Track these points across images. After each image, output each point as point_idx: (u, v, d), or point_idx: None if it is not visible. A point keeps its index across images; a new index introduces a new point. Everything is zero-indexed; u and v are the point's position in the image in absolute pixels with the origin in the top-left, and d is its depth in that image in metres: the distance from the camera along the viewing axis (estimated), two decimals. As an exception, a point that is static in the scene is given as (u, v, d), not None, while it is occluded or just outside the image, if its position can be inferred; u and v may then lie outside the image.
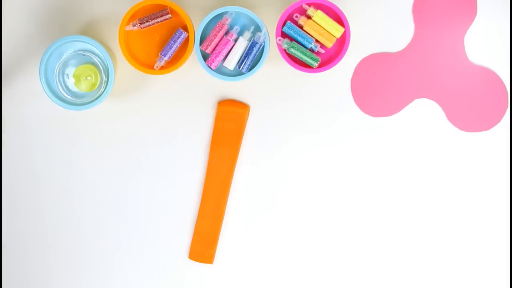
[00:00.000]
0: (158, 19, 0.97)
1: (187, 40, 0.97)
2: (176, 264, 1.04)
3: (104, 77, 0.97)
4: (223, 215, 1.03)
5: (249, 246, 1.04)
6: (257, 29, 0.97)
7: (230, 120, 1.02)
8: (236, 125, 1.02)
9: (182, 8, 0.96)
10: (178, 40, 0.97)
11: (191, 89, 1.03)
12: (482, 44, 1.02)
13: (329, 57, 0.98)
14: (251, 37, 0.97)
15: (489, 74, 1.02)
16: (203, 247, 1.03)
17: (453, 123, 1.03)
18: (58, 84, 0.97)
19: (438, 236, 1.04)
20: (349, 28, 0.96)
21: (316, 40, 0.97)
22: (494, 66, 1.02)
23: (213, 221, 1.03)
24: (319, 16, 0.96)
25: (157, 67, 0.97)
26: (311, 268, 1.04)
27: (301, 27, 0.97)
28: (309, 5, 0.97)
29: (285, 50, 0.97)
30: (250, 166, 1.03)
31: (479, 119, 1.03)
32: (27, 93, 1.03)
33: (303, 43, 0.97)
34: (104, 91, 0.97)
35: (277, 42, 0.96)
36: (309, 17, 0.97)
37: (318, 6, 0.97)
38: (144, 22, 0.97)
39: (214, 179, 1.03)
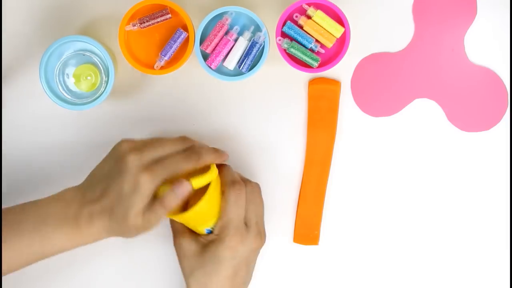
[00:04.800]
0: (158, 19, 0.97)
1: (187, 40, 0.97)
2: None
3: (104, 77, 0.97)
4: (325, 194, 1.03)
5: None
6: (257, 29, 0.97)
7: (323, 97, 1.02)
8: (330, 102, 1.02)
9: (182, 8, 0.96)
10: (178, 40, 0.97)
11: (191, 89, 1.03)
12: (482, 44, 1.02)
13: (329, 57, 0.98)
14: (251, 37, 0.97)
15: (489, 74, 1.02)
16: (307, 229, 1.03)
17: (453, 123, 1.03)
18: (58, 84, 0.97)
19: (438, 236, 1.04)
20: (349, 28, 0.96)
21: (316, 40, 0.97)
22: (494, 66, 1.02)
23: (315, 202, 1.03)
24: (319, 16, 0.96)
25: (157, 67, 0.97)
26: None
27: (301, 27, 0.97)
28: (309, 5, 0.97)
29: (285, 50, 0.97)
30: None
31: (479, 119, 1.03)
32: (27, 93, 1.03)
33: (303, 43, 0.97)
34: (104, 91, 0.97)
35: (277, 42, 0.96)
36: (309, 17, 0.97)
37: (318, 6, 0.97)
38: (144, 22, 0.97)
39: (314, 159, 1.02)
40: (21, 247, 0.90)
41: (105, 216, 0.90)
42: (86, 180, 0.93)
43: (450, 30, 1.02)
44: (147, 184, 0.88)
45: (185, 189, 0.90)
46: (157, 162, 0.90)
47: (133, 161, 0.89)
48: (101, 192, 0.90)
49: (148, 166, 0.89)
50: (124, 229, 0.89)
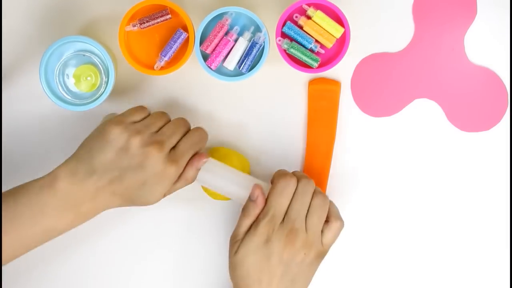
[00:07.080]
0: (158, 19, 0.97)
1: (187, 40, 0.97)
2: None
3: (104, 77, 0.97)
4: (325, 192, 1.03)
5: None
6: (257, 29, 0.97)
7: (323, 98, 1.02)
8: (330, 102, 1.02)
9: (182, 8, 0.96)
10: (178, 41, 0.97)
11: (191, 89, 1.03)
12: (482, 44, 1.02)
13: (329, 57, 0.98)
14: (251, 38, 0.97)
15: (489, 74, 1.02)
16: None
17: (453, 123, 1.03)
18: (58, 84, 0.97)
19: (438, 236, 1.04)
20: (349, 28, 0.96)
21: (316, 40, 0.97)
22: (494, 66, 1.02)
23: None
24: (319, 16, 0.96)
25: (157, 67, 0.97)
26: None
27: (301, 27, 0.97)
28: (309, 5, 0.97)
29: (285, 50, 0.97)
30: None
31: (479, 119, 1.03)
32: (27, 93, 1.03)
33: (303, 43, 0.97)
34: (104, 91, 0.97)
35: (277, 42, 0.96)
36: (309, 17, 0.97)
37: (318, 6, 0.97)
38: (144, 23, 0.97)
39: (314, 159, 1.02)
40: (21, 238, 0.90)
41: (116, 199, 0.92)
42: (81, 162, 0.93)
43: (450, 30, 1.02)
44: (173, 174, 0.92)
45: (203, 161, 0.95)
46: (176, 150, 0.93)
47: (154, 153, 0.91)
48: (112, 180, 0.91)
49: (171, 158, 0.92)
50: (140, 204, 0.93)
